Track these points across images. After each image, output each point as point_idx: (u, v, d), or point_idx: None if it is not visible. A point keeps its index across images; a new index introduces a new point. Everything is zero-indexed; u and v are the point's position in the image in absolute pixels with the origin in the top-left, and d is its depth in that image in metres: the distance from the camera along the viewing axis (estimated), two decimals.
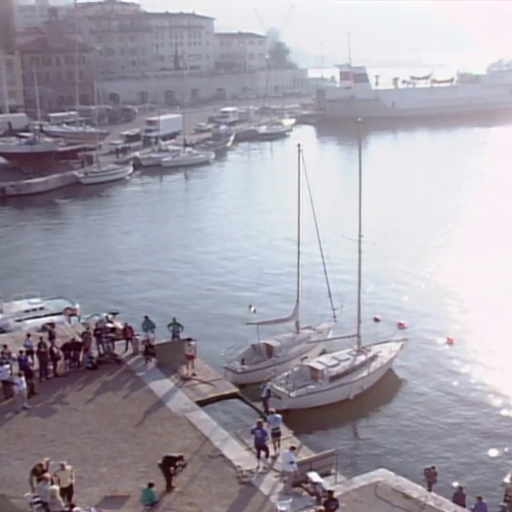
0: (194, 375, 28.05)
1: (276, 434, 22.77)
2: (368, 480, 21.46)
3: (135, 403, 26.12)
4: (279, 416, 23.02)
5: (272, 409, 23.76)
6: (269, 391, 26.50)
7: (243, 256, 50.28)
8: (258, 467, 21.98)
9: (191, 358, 28.39)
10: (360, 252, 31.30)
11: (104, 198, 74.12)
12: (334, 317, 34.00)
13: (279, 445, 22.77)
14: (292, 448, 21.78)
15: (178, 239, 56.10)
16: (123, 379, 28.11)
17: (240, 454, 22.77)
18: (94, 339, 29.53)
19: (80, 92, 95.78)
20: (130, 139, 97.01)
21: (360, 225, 31.09)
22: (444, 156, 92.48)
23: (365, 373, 30.23)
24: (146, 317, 30.87)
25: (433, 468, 22.52)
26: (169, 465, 20.55)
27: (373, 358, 31.07)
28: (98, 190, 75.50)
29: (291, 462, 20.94)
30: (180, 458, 20.78)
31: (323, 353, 33.07)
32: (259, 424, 22.41)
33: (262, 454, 22.29)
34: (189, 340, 28.85)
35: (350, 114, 74.35)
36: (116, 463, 22.22)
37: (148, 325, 30.61)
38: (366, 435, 27.85)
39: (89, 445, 23.27)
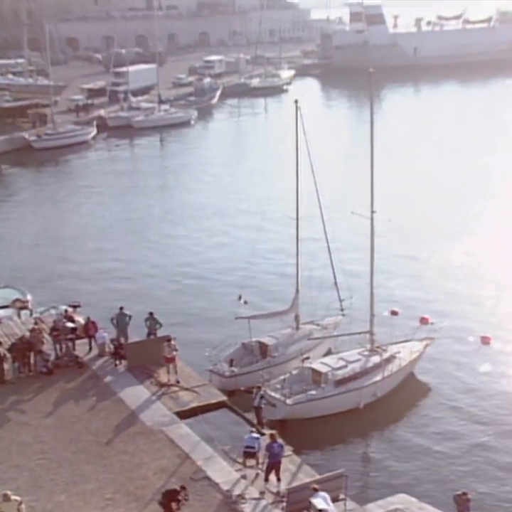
0: (178, 382, 28.16)
1: (252, 455, 22.89)
2: (385, 507, 21.55)
3: (101, 415, 26.09)
4: (257, 436, 23.09)
5: (253, 430, 23.90)
6: (262, 398, 26.58)
7: (231, 237, 50.36)
8: (263, 493, 21.96)
9: (172, 360, 28.38)
10: (372, 231, 31.26)
11: (61, 166, 73.76)
12: (342, 310, 34.08)
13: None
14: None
15: (151, 216, 56.10)
16: (86, 386, 28.08)
17: (228, 476, 22.78)
18: (49, 338, 29.57)
19: (28, 36, 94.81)
20: (93, 93, 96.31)
21: (372, 199, 31.01)
22: (477, 115, 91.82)
23: (379, 377, 30.31)
24: (150, 313, 30.85)
25: (465, 494, 21.84)
26: (171, 500, 20.28)
27: (390, 359, 31.14)
28: (54, 157, 75.10)
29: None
30: (183, 488, 20.63)
31: (328, 353, 33.18)
32: (273, 437, 22.49)
33: (272, 476, 22.40)
34: (168, 339, 28.87)
35: (361, 64, 74.03)
36: (78, 489, 22.18)
37: (153, 323, 30.61)
38: (381, 453, 27.89)
39: (44, 468, 23.20)
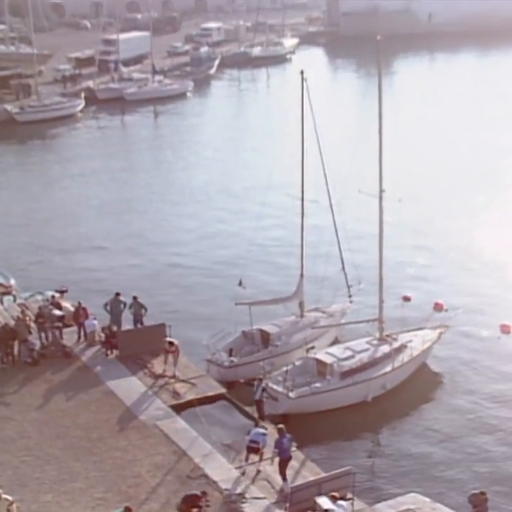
0: (174, 376, 28.16)
1: (255, 450, 22.95)
2: (396, 507, 21.54)
3: (90, 409, 26.11)
4: (264, 432, 23.10)
5: (260, 425, 24.07)
6: (264, 391, 26.56)
7: (231, 218, 50.24)
8: (282, 490, 22.03)
9: (172, 352, 28.34)
10: (381, 211, 31.19)
11: (47, 142, 73.46)
12: (349, 296, 34.12)
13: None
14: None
15: (145, 196, 55.92)
16: (74, 377, 28.10)
17: (227, 474, 22.81)
18: (34, 326, 29.58)
19: (10, 0, 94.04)
20: (81, 63, 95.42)
21: (380, 177, 30.94)
22: (497, 88, 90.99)
23: (388, 368, 30.31)
24: (134, 297, 30.94)
25: (483, 494, 21.50)
26: (192, 506, 20.25)
27: (401, 349, 31.11)
28: (39, 131, 74.66)
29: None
30: (204, 494, 20.61)
31: (334, 342, 33.19)
32: (281, 431, 22.50)
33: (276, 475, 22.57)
34: (164, 326, 29.13)
35: (371, 32, 72.72)
36: (65, 488, 22.18)
37: (138, 308, 30.72)
38: (391, 449, 27.87)
39: (29, 465, 23.22)
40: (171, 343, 28.46)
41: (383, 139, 31.01)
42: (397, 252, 40.04)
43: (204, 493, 20.63)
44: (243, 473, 22.69)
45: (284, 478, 22.40)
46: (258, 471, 22.87)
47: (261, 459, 23.00)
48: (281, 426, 22.92)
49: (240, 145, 69.96)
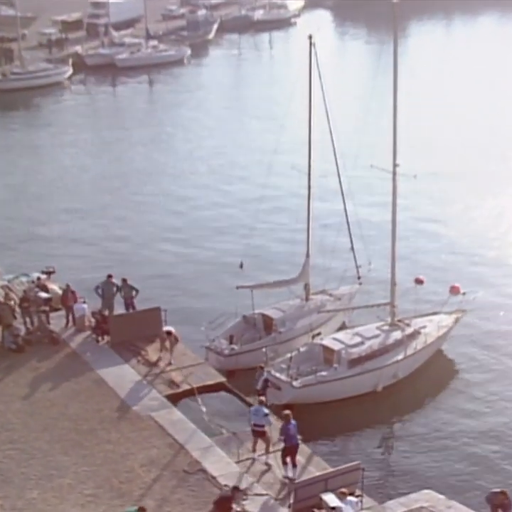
0: (170, 364, 28.20)
1: (261, 434, 22.97)
2: (408, 505, 21.46)
3: (80, 399, 26.06)
4: (266, 411, 23.08)
5: (262, 399, 23.96)
6: (266, 380, 26.60)
7: (233, 194, 50.25)
8: (288, 478, 22.10)
9: (166, 339, 28.29)
10: (395, 187, 31.14)
11: (31, 112, 73.12)
12: (358, 278, 34.15)
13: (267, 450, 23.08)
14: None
15: (138, 171, 55.81)
16: (62, 365, 28.04)
17: (227, 469, 22.79)
18: (18, 310, 29.56)
19: None
20: (68, 26, 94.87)
21: (394, 151, 30.89)
22: None
23: (400, 356, 30.33)
24: (123, 279, 30.98)
25: (503, 493, 21.00)
26: (227, 509, 20.19)
27: (414, 335, 31.14)
28: (23, 100, 74.46)
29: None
30: (237, 490, 20.51)
31: (342, 327, 33.27)
32: (288, 417, 22.47)
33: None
34: (157, 310, 29.05)
35: None
36: (53, 484, 22.13)
37: (128, 290, 30.76)
38: (403, 443, 27.92)
39: (13, 460, 23.16)
40: (168, 333, 28.34)
41: (398, 110, 30.84)
42: (411, 232, 40.01)
43: (236, 489, 20.45)
44: (253, 460, 22.84)
45: (294, 465, 22.43)
46: (261, 464, 22.90)
47: (268, 446, 22.97)
48: (287, 412, 22.89)
49: (241, 116, 69.71)
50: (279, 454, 22.76)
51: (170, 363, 28.14)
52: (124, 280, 30.95)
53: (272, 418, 23.17)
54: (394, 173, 30.82)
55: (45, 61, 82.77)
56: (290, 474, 22.39)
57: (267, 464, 22.88)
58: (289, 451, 22.47)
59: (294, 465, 22.48)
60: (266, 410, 22.85)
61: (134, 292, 30.84)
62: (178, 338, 28.55)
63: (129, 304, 30.92)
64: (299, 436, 22.61)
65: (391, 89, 30.95)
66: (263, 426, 22.76)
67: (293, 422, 22.45)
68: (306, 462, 23.19)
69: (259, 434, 22.90)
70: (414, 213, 42.20)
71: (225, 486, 21.80)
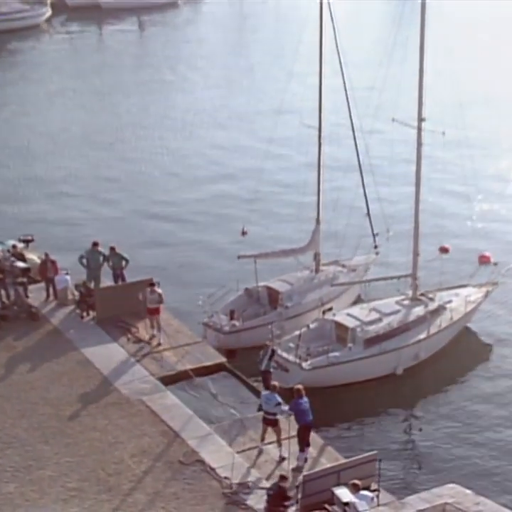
0: (159, 345, 28.24)
1: (272, 423, 22.89)
2: (431, 501, 21.32)
3: (62, 382, 26.02)
4: (277, 398, 22.92)
5: (275, 384, 23.74)
6: (272, 360, 26.52)
7: (234, 152, 50.28)
8: (299, 468, 22.10)
9: (155, 312, 28.27)
10: (419, 145, 31.00)
11: (5, 58, 73.13)
12: (375, 247, 34.30)
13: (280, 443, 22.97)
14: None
15: (127, 126, 55.81)
16: (43, 344, 28.04)
17: (227, 459, 22.72)
18: None
19: None
20: None
21: (420, 103, 30.68)
22: None
23: (423, 335, 30.33)
24: (112, 248, 30.93)
25: None
26: (282, 499, 20.21)
27: (438, 310, 31.13)
28: None
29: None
30: (283, 478, 20.34)
31: (357, 302, 33.33)
32: (299, 392, 22.41)
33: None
34: (151, 283, 28.73)
35: None
36: (32, 476, 22.04)
37: (117, 260, 30.72)
38: (425, 431, 27.87)
39: None
40: (151, 285, 28.00)
41: (425, 56, 30.51)
42: (436, 195, 39.80)
43: (283, 478, 20.24)
44: (259, 451, 22.91)
45: (302, 449, 22.40)
46: (282, 459, 22.79)
47: (279, 439, 22.90)
48: (299, 386, 22.88)
49: (243, 63, 69.44)
50: (288, 443, 22.72)
51: (159, 344, 28.14)
52: (113, 248, 30.87)
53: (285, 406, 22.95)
54: (419, 129, 30.61)
55: (20, 1, 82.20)
56: (302, 457, 22.40)
57: (281, 457, 22.80)
58: (306, 430, 22.44)
59: (302, 449, 22.43)
60: (278, 398, 22.67)
61: (123, 262, 30.81)
62: (163, 298, 28.23)
63: (118, 275, 30.91)
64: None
65: (417, 32, 30.53)
66: (275, 414, 22.64)
67: (305, 398, 22.44)
68: (317, 452, 23.10)
69: (269, 423, 22.80)
70: (441, 174, 41.90)
71: (225, 478, 21.78)
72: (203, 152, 50.56)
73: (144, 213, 42.65)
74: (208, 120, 55.97)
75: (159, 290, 28.27)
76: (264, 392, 23.43)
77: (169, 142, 52.43)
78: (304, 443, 22.50)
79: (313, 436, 23.39)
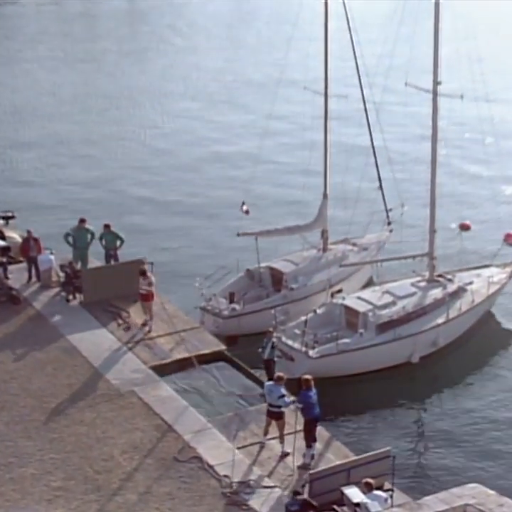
0: (149, 332, 28.32)
1: (276, 416, 22.84)
2: (450, 502, 21.17)
3: (46, 371, 26.02)
4: (281, 390, 22.85)
5: (281, 375, 23.65)
6: (275, 348, 26.48)
7: (233, 121, 50.60)
8: (305, 466, 22.07)
9: (147, 298, 28.24)
10: (435, 111, 30.94)
11: None
12: (388, 224, 34.44)
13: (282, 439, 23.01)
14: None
15: (120, 92, 56.16)
16: (25, 330, 28.09)
17: (226, 456, 22.61)
18: None
19: None
20: None
21: (436, 65, 30.56)
22: None
23: (441, 319, 30.38)
24: (106, 226, 30.96)
25: None
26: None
27: (458, 293, 31.26)
28: None
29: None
30: (299, 495, 20.37)
31: (369, 284, 33.53)
32: (308, 383, 22.36)
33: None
34: (142, 262, 28.94)
35: None
36: (13, 474, 21.96)
37: (111, 238, 30.77)
38: (444, 426, 27.80)
39: None
40: (142, 273, 28.00)
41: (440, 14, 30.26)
42: (455, 166, 39.86)
43: (297, 494, 20.15)
44: (261, 446, 22.88)
45: (308, 445, 22.37)
46: (285, 454, 22.75)
47: (282, 434, 22.87)
48: (308, 377, 22.77)
49: (242, 25, 69.23)
50: (294, 437, 22.67)
51: (149, 331, 28.19)
52: (107, 226, 30.94)
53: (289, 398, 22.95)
54: (435, 93, 30.58)
55: None
56: (309, 453, 22.36)
57: (283, 453, 22.76)
58: (308, 425, 22.37)
59: (309, 445, 22.40)
60: (283, 390, 22.62)
61: (118, 242, 30.92)
62: (152, 280, 28.18)
63: (111, 255, 31.01)
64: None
65: None
66: (280, 406, 22.59)
67: (313, 390, 22.40)
68: (324, 448, 23.02)
69: (274, 416, 22.75)
70: (460, 143, 41.71)
71: (225, 476, 21.73)
72: (196, 122, 50.64)
73: (135, 189, 42.78)
74: (203, 87, 56.22)
75: (150, 275, 28.27)
76: (268, 383, 23.37)
77: (158, 113, 52.54)
78: (310, 438, 22.45)
79: (321, 431, 23.37)
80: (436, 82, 30.49)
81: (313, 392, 22.32)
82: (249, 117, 49.59)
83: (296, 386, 23.12)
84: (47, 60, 61.76)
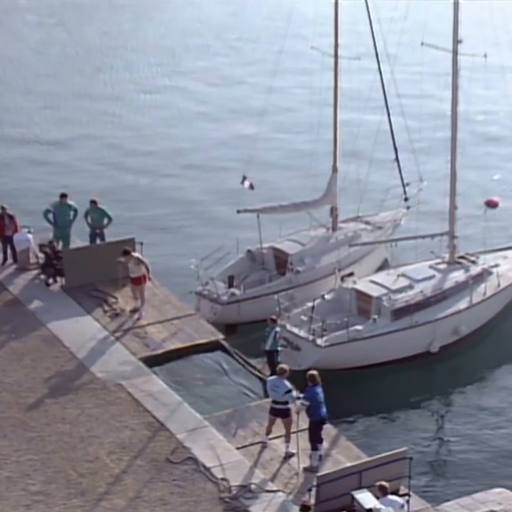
0: (139, 319, 28.38)
1: (283, 414, 22.81)
2: (472, 508, 21.37)
3: (24, 363, 26.09)
4: (286, 384, 22.83)
5: (284, 367, 23.61)
6: (279, 337, 26.52)
7: (234, 86, 51.08)
8: (313, 469, 22.04)
9: (138, 282, 28.31)
10: (455, 72, 30.95)
11: None
12: (406, 200, 34.39)
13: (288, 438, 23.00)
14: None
15: (112, 50, 57.36)
16: (0, 317, 28.08)
17: (225, 457, 22.70)
18: None
19: None
20: None
21: (456, 22, 30.57)
22: None
23: (463, 305, 30.43)
24: (92, 202, 31.01)
25: None
26: None
27: (482, 276, 31.32)
28: None
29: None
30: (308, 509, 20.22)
31: (383, 266, 33.75)
32: (314, 379, 22.31)
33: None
34: (125, 251, 28.67)
35: None
36: None
37: (97, 217, 30.82)
38: (466, 423, 27.72)
39: None
40: (125, 253, 28.00)
41: None
42: (479, 136, 40.19)
43: (306, 509, 20.10)
44: (263, 446, 22.92)
45: (314, 447, 22.32)
46: (290, 455, 22.77)
47: (288, 433, 22.84)
48: (314, 372, 22.73)
49: None
50: (299, 437, 22.63)
51: (139, 319, 28.24)
52: (94, 202, 30.98)
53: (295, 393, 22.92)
54: (455, 52, 30.61)
55: None
56: (317, 454, 22.34)
57: (287, 454, 22.77)
58: (315, 426, 22.33)
59: (315, 447, 22.32)
60: (288, 384, 22.59)
61: (105, 220, 30.92)
62: (145, 261, 28.23)
63: (96, 234, 31.06)
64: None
65: None
66: (286, 403, 22.52)
67: (320, 387, 22.39)
68: (333, 448, 23.04)
69: (278, 413, 22.68)
70: (484, 107, 41.55)
71: (223, 479, 21.74)
72: (195, 86, 50.78)
73: (125, 162, 42.96)
74: (200, 47, 56.44)
75: (136, 254, 28.26)
76: (271, 378, 23.33)
77: (153, 77, 52.84)
78: (316, 440, 22.44)
79: (330, 429, 23.41)
80: (456, 41, 30.48)
81: (320, 390, 22.28)
82: (252, 69, 49.77)
83: (302, 379, 23.08)
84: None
